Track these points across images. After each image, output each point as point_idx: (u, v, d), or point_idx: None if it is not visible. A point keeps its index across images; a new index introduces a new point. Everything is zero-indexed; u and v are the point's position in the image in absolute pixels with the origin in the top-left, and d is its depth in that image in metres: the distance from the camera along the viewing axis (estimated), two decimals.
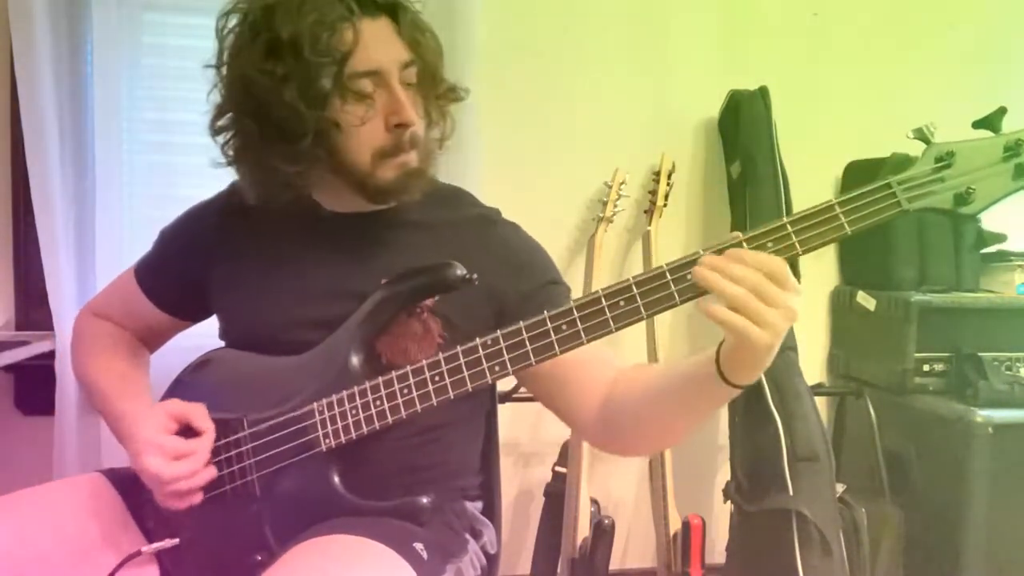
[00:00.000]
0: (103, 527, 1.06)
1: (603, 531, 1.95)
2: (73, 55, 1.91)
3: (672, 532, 2.04)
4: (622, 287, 0.90)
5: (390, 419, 0.99)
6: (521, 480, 2.26)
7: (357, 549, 0.93)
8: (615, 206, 2.12)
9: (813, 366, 2.34)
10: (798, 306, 0.84)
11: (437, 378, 0.97)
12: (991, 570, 1.94)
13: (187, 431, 1.05)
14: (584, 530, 1.99)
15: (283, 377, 1.06)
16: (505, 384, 1.82)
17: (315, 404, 1.02)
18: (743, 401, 2.08)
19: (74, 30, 1.90)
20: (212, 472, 1.03)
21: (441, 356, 0.97)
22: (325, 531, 0.96)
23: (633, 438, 1.05)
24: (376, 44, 1.01)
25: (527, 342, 0.93)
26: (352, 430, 1.00)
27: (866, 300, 2.22)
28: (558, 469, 2.07)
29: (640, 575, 2.31)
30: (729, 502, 2.12)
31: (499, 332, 0.95)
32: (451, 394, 0.97)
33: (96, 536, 1.05)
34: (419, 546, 0.99)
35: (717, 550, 2.22)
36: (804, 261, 2.26)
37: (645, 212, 2.18)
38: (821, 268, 2.37)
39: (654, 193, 2.15)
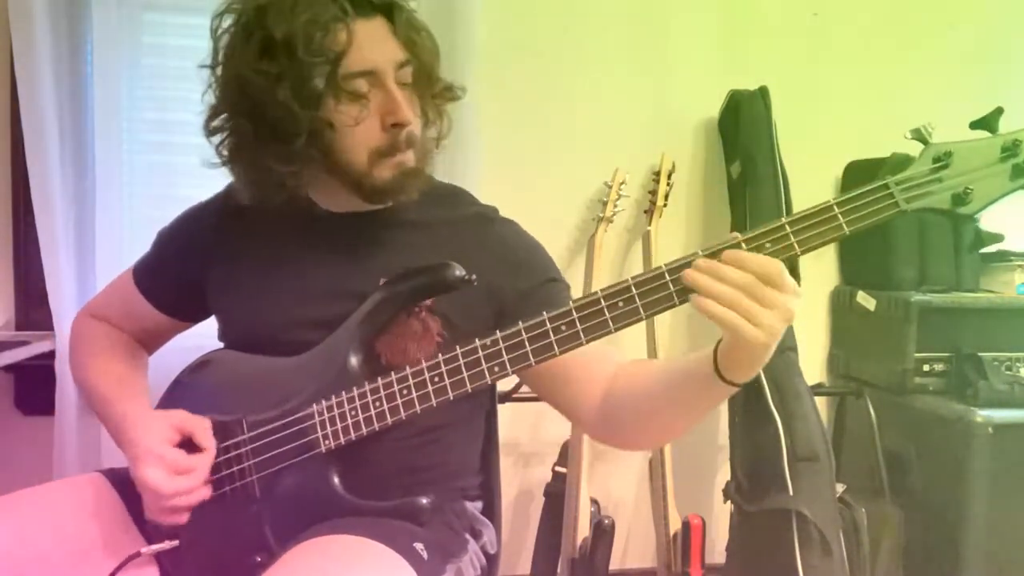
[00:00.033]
0: (103, 528, 1.06)
1: (603, 531, 1.95)
2: (73, 55, 1.91)
3: (672, 532, 2.04)
4: (621, 288, 0.90)
5: (389, 420, 0.99)
6: (521, 480, 2.26)
7: (357, 549, 0.93)
8: (615, 206, 2.12)
9: (813, 366, 2.34)
10: (795, 307, 0.84)
11: (436, 379, 0.97)
12: (991, 570, 1.94)
13: (188, 444, 1.04)
14: (584, 530, 1.99)
15: (282, 378, 1.06)
16: (505, 384, 1.82)
17: (314, 405, 1.02)
18: (743, 401, 2.08)
19: (74, 30, 1.90)
20: (208, 491, 1.03)
21: (440, 357, 0.97)
22: (325, 531, 0.96)
23: (633, 433, 1.05)
24: (371, 44, 1.02)
25: (526, 343, 0.93)
26: (352, 431, 1.00)
27: (866, 300, 2.22)
28: (558, 469, 2.07)
29: (640, 575, 2.31)
30: (729, 502, 2.12)
31: (498, 333, 0.95)
32: (451, 395, 0.97)
33: (96, 537, 1.05)
34: (419, 546, 0.99)
35: (717, 550, 2.22)
36: (804, 261, 2.25)
37: (645, 212, 2.18)
38: (821, 268, 2.37)
39: (654, 193, 2.15)
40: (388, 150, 1.04)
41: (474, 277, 1.02)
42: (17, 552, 0.99)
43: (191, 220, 1.22)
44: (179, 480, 1.00)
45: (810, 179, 2.21)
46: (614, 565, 2.04)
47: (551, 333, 0.92)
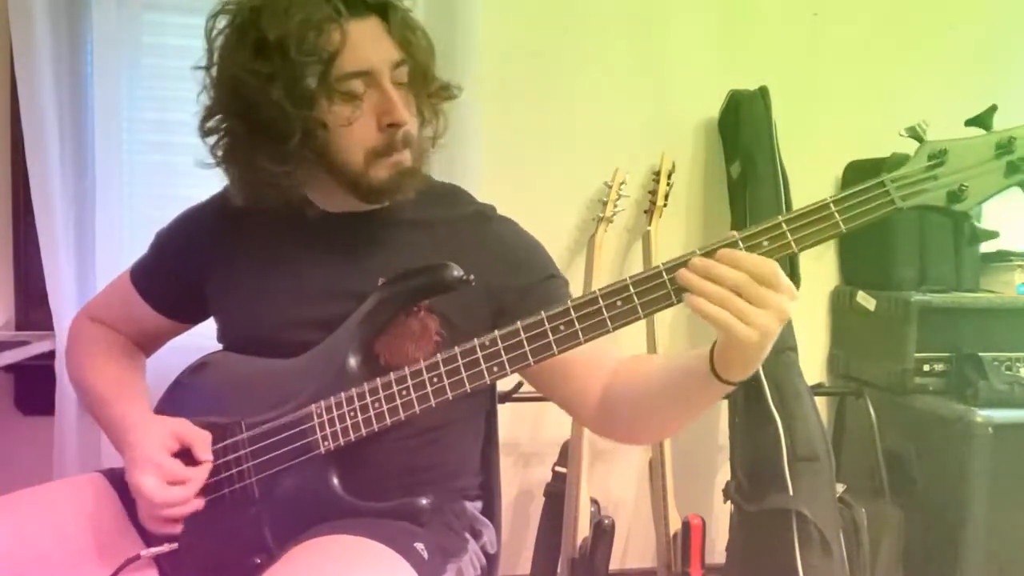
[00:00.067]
0: (102, 529, 1.06)
1: (603, 531, 1.95)
2: (73, 55, 1.91)
3: (672, 532, 2.04)
4: (619, 287, 0.90)
5: (389, 421, 0.99)
6: (521, 480, 2.26)
7: (357, 549, 0.94)
8: (615, 206, 2.12)
9: (813, 366, 2.34)
10: (790, 307, 0.84)
11: (436, 379, 0.97)
12: (991, 570, 1.94)
13: (187, 453, 1.04)
14: (584, 530, 1.99)
15: (281, 379, 1.06)
16: (505, 384, 1.82)
17: (314, 406, 1.02)
18: (743, 401, 2.08)
19: (74, 30, 1.90)
20: (198, 505, 1.02)
21: (439, 357, 0.97)
22: (325, 532, 0.96)
23: (633, 428, 1.06)
24: (366, 44, 1.02)
25: (525, 343, 0.93)
26: (351, 432, 1.00)
27: (866, 300, 2.22)
28: (558, 469, 2.07)
29: (640, 575, 2.31)
30: (729, 502, 2.12)
31: (497, 333, 0.95)
32: (449, 395, 0.97)
33: (95, 538, 1.05)
34: (419, 546, 0.99)
35: (717, 550, 2.22)
36: (804, 261, 2.26)
37: (645, 212, 2.18)
38: (821, 268, 2.37)
39: (654, 193, 2.15)
40: (384, 150, 1.04)
41: (472, 277, 1.02)
42: (16, 552, 0.99)
43: (189, 221, 1.22)
44: (172, 491, 1.00)
45: (810, 179, 2.21)
46: (614, 565, 2.04)
47: (549, 333, 0.92)
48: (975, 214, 0.89)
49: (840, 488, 2.00)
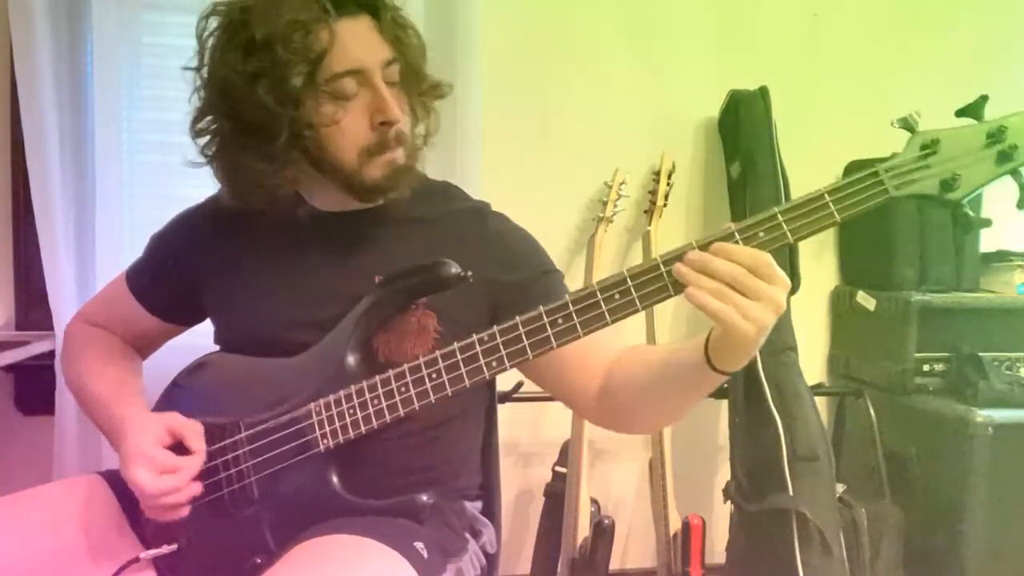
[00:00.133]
0: (101, 531, 1.06)
1: (603, 531, 1.95)
2: (73, 55, 1.90)
3: (672, 532, 2.04)
4: (617, 280, 0.91)
5: (388, 418, 0.99)
6: (521, 480, 2.26)
7: (357, 548, 0.94)
8: (615, 206, 2.12)
9: (813, 366, 2.34)
10: (784, 299, 0.85)
11: (434, 375, 0.97)
12: (991, 570, 1.94)
13: (181, 446, 1.04)
14: (584, 530, 1.99)
15: (279, 379, 1.06)
16: (505, 384, 1.82)
17: (312, 405, 1.02)
18: (743, 401, 2.08)
19: (74, 30, 1.90)
20: (195, 490, 1.02)
21: (438, 353, 0.98)
22: (325, 531, 0.96)
23: (631, 419, 1.07)
24: (357, 43, 1.02)
25: (524, 337, 0.94)
26: (350, 430, 1.00)
27: (866, 300, 2.22)
28: (558, 469, 2.07)
29: (640, 575, 2.30)
30: (729, 502, 2.12)
31: (495, 328, 0.95)
32: (449, 391, 0.97)
33: (94, 540, 1.05)
34: (419, 545, 0.99)
35: (717, 550, 2.22)
36: (804, 261, 2.25)
37: (645, 212, 2.18)
38: (821, 268, 2.37)
39: (654, 193, 2.15)
40: (378, 148, 1.04)
41: (470, 274, 1.02)
42: (15, 554, 0.99)
43: (183, 224, 1.22)
44: (164, 480, 0.99)
45: (810, 179, 2.17)
46: (614, 565, 2.04)
47: (548, 327, 0.93)
48: (973, 207, 0.90)
49: (840, 488, 2.00)
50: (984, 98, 0.88)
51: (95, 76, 1.88)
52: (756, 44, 2.30)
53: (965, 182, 0.87)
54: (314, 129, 1.02)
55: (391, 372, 0.99)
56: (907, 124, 0.88)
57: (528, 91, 2.19)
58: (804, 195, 0.88)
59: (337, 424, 1.01)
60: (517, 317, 0.94)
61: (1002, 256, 2.30)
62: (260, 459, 1.04)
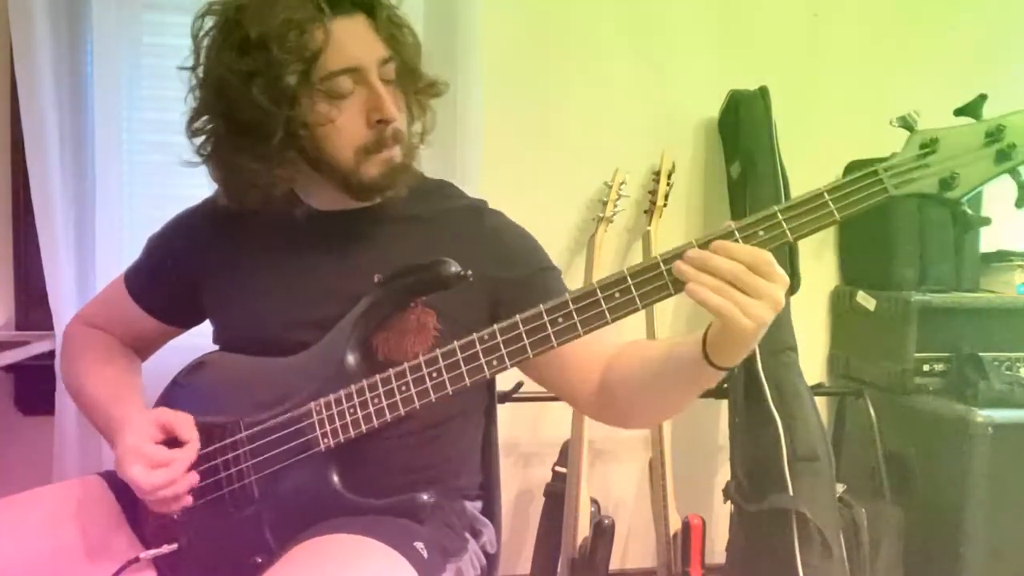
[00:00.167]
0: (100, 531, 1.06)
1: (603, 531, 1.95)
2: (73, 55, 1.90)
3: (672, 532, 2.04)
4: (617, 279, 0.91)
5: (388, 417, 0.99)
6: (521, 480, 2.26)
7: (357, 548, 0.94)
8: (615, 206, 2.12)
9: (813, 366, 2.34)
10: (782, 296, 0.86)
11: (435, 374, 0.98)
12: (991, 570, 1.94)
13: (175, 441, 1.04)
14: (584, 530, 1.99)
15: (279, 378, 1.06)
16: (505, 384, 1.82)
17: (313, 404, 1.02)
18: (743, 401, 2.08)
19: (74, 30, 1.89)
20: (192, 480, 1.02)
21: (439, 352, 0.98)
22: (325, 531, 0.96)
23: (630, 413, 1.08)
24: (353, 42, 1.02)
25: (524, 336, 0.94)
26: (351, 429, 1.00)
27: (866, 300, 2.22)
28: (558, 469, 2.07)
29: (640, 575, 2.30)
30: (729, 502, 2.12)
31: (496, 327, 0.95)
32: (449, 390, 0.97)
33: (94, 540, 1.05)
34: (419, 545, 0.99)
35: (717, 550, 2.22)
36: (804, 261, 2.25)
37: (645, 212, 2.18)
38: (821, 268, 2.37)
39: (654, 193, 2.15)
40: (374, 146, 1.04)
41: (470, 273, 1.02)
42: (15, 556, 0.99)
43: (181, 225, 1.22)
44: (158, 474, 0.99)
45: (810, 179, 2.17)
46: (614, 565, 2.04)
47: (548, 326, 0.93)
48: (973, 206, 0.90)
49: (840, 488, 2.00)
50: (983, 97, 0.89)
51: (95, 76, 1.87)
52: (756, 44, 2.30)
53: (964, 181, 0.87)
54: (310, 128, 1.02)
55: (391, 371, 0.99)
56: (906, 123, 0.89)
57: (528, 90, 2.19)
58: (804, 194, 0.88)
59: (337, 423, 1.01)
60: (517, 316, 0.94)
61: (1002, 256, 2.30)
62: (260, 458, 1.04)
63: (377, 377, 1.00)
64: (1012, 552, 1.95)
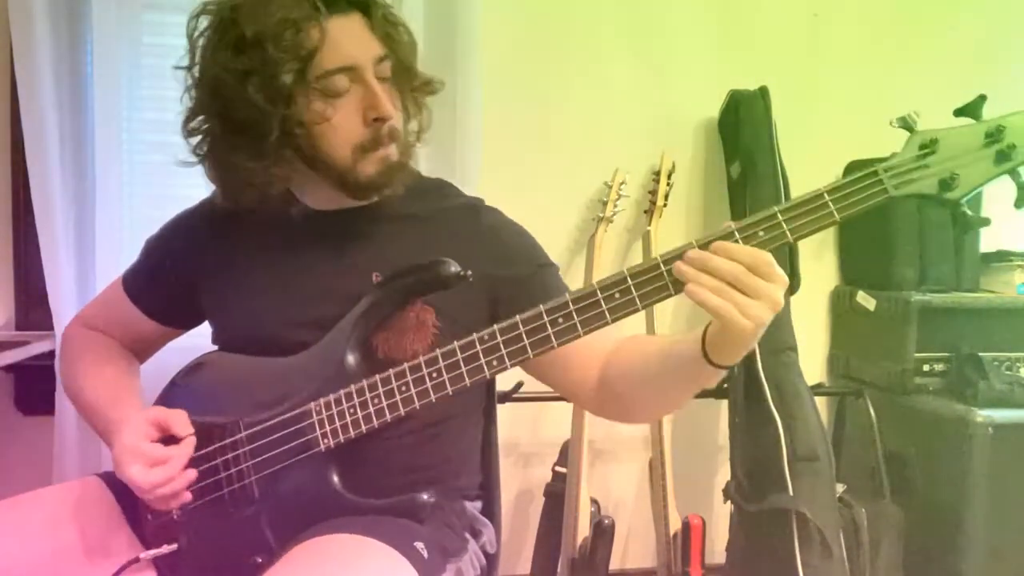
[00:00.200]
0: (100, 532, 1.06)
1: (603, 531, 1.95)
2: (73, 55, 1.90)
3: (672, 532, 2.04)
4: (617, 279, 0.91)
5: (388, 417, 0.99)
6: (521, 480, 2.26)
7: (358, 548, 0.94)
8: (615, 206, 2.12)
9: (813, 366, 2.34)
10: (781, 296, 0.86)
11: (435, 375, 0.98)
12: (991, 570, 1.94)
13: (170, 438, 1.04)
14: (584, 530, 1.99)
15: (279, 378, 1.06)
16: (505, 384, 1.82)
17: (312, 404, 1.02)
18: (743, 401, 2.08)
19: (74, 30, 1.89)
20: (190, 476, 1.02)
21: (439, 352, 0.98)
22: (325, 531, 0.96)
23: (631, 409, 1.09)
24: (349, 40, 1.02)
25: (524, 336, 0.94)
26: (351, 429, 1.00)
27: (866, 300, 2.22)
28: (558, 469, 2.07)
29: (640, 575, 2.30)
30: (729, 502, 2.12)
31: (496, 327, 0.95)
32: (449, 390, 0.97)
33: (93, 541, 1.05)
34: (420, 545, 0.99)
35: (717, 550, 2.22)
36: (804, 261, 2.25)
37: (645, 212, 2.18)
38: (821, 268, 2.37)
39: (654, 193, 2.15)
40: (371, 145, 1.04)
41: (470, 273, 1.02)
42: (14, 557, 0.99)
43: (181, 225, 1.22)
44: (155, 472, 0.99)
45: (810, 179, 2.17)
46: (614, 565, 2.04)
47: (548, 326, 0.93)
48: (973, 207, 0.90)
49: (840, 488, 2.00)
50: (982, 98, 0.89)
51: (95, 76, 1.87)
52: (756, 44, 2.30)
53: (964, 182, 0.87)
54: (306, 127, 1.02)
55: (391, 371, 0.99)
56: (906, 124, 0.89)
57: (528, 91, 2.19)
58: (804, 194, 0.88)
59: (337, 423, 1.01)
60: (517, 316, 0.94)
61: (1002, 256, 2.30)
62: (260, 459, 1.04)
63: (377, 377, 1.00)
64: (1012, 552, 1.95)
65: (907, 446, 2.09)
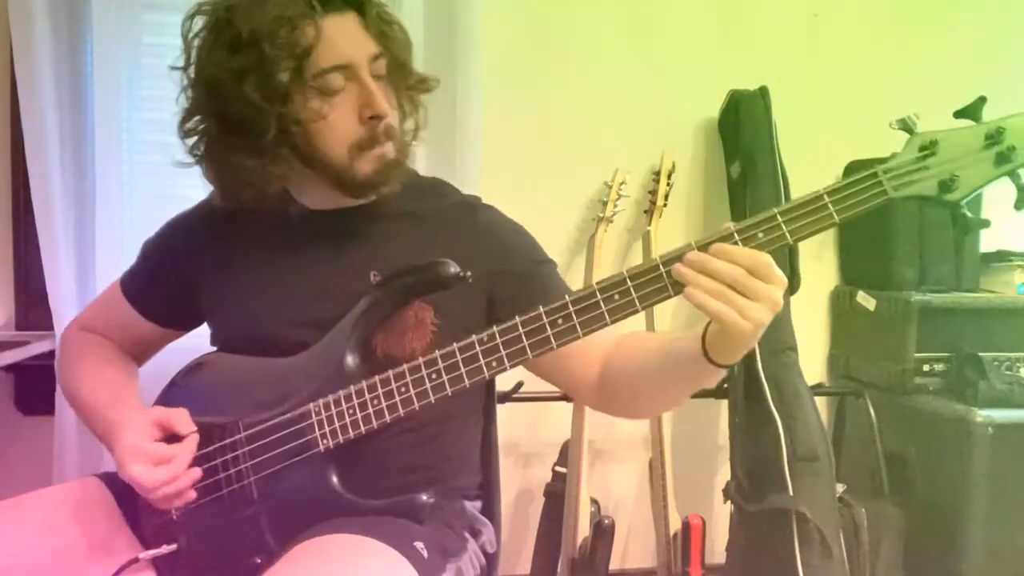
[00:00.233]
0: (100, 533, 1.06)
1: (603, 531, 1.95)
2: (73, 55, 1.90)
3: (672, 532, 2.04)
4: (616, 280, 0.92)
5: (388, 418, 0.99)
6: (521, 480, 2.26)
7: (357, 548, 0.94)
8: (615, 206, 2.12)
9: (813, 366, 2.34)
10: (780, 297, 0.86)
11: (434, 376, 0.98)
12: (991, 570, 1.94)
13: (172, 437, 1.04)
14: (584, 530, 1.99)
15: (278, 379, 1.06)
16: (505, 384, 1.82)
17: (312, 405, 1.02)
18: (743, 401, 2.08)
19: (74, 30, 1.89)
20: (195, 475, 1.02)
21: (438, 353, 0.98)
22: (325, 531, 0.96)
23: (632, 405, 1.09)
24: (344, 38, 1.02)
25: (523, 337, 0.94)
26: (350, 430, 1.00)
27: (866, 300, 2.22)
28: (558, 469, 2.07)
29: (640, 575, 2.30)
30: (729, 502, 2.12)
31: (495, 328, 0.96)
32: (448, 391, 0.97)
33: (93, 542, 1.05)
34: (419, 545, 0.99)
35: (717, 550, 2.22)
36: (804, 261, 2.25)
37: (645, 212, 2.18)
38: (821, 268, 2.37)
39: (654, 193, 2.15)
40: (367, 143, 1.05)
41: (469, 274, 1.02)
42: (14, 557, 0.99)
43: (179, 226, 1.22)
44: (159, 471, 0.99)
45: (810, 179, 2.17)
46: (614, 565, 2.04)
47: (548, 327, 0.94)
48: (973, 208, 0.90)
49: (840, 488, 2.00)
50: (982, 99, 0.89)
51: (95, 76, 1.87)
52: (756, 44, 2.30)
53: (963, 183, 0.87)
54: (302, 125, 1.02)
55: (391, 372, 0.99)
56: (905, 125, 0.89)
57: (528, 91, 2.19)
58: (803, 196, 0.89)
59: (337, 424, 1.01)
60: (517, 317, 0.94)
61: (1002, 256, 2.30)
62: (259, 459, 1.04)
63: (376, 378, 1.00)
64: (1012, 552, 1.95)
65: (907, 446, 2.09)
